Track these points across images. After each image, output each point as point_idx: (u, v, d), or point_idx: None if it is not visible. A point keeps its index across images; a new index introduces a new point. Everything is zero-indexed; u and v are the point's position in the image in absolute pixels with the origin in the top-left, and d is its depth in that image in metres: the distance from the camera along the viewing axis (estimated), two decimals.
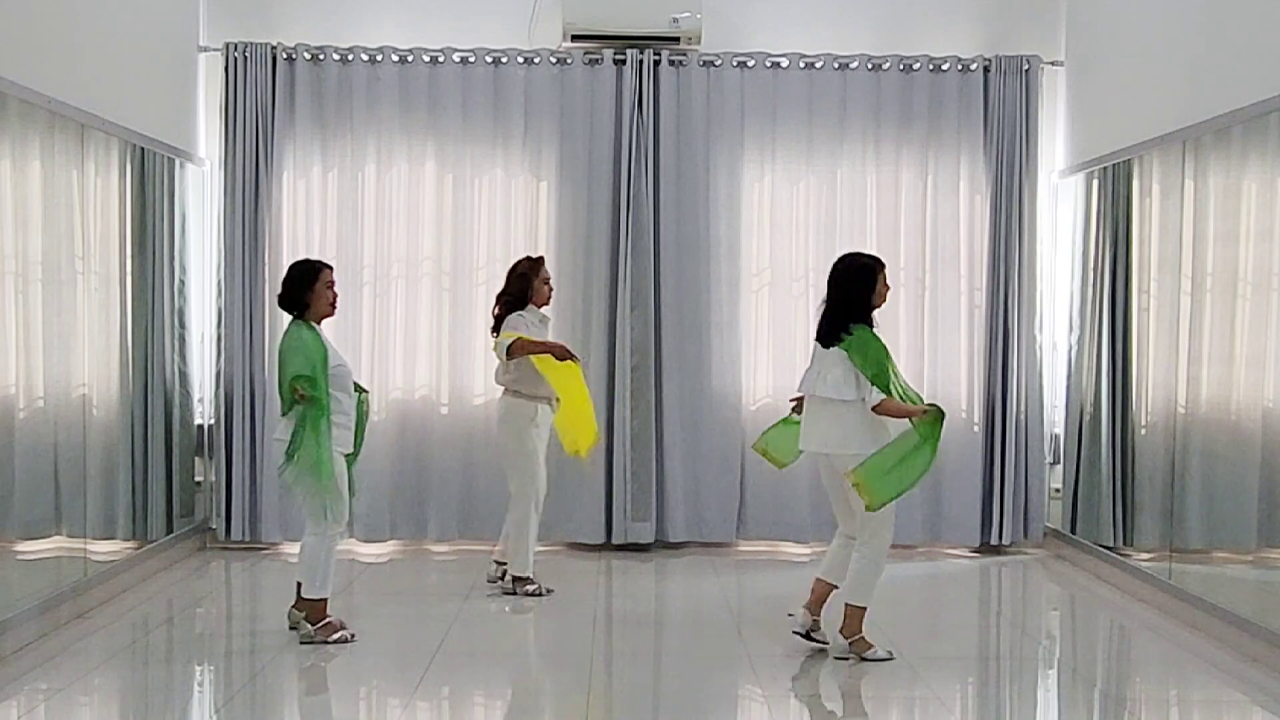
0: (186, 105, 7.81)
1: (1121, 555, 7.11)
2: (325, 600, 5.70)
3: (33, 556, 5.97)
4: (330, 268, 5.83)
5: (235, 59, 7.75)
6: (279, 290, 5.79)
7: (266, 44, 7.79)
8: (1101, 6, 7.71)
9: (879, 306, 5.48)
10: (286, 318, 5.80)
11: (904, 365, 7.92)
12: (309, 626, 5.70)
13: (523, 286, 6.62)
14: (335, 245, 7.88)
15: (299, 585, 5.77)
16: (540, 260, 6.73)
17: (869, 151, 8.01)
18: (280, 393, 5.64)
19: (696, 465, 7.97)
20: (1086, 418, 7.55)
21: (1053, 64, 8.06)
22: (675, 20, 7.77)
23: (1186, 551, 6.47)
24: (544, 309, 6.74)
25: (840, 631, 5.50)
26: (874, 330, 5.41)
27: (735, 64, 7.94)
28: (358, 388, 5.91)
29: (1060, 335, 8.01)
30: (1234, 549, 6.22)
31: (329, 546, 5.67)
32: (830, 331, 5.42)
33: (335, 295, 5.80)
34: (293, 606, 5.83)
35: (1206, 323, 6.28)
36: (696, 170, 7.94)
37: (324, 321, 5.79)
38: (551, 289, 6.79)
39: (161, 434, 7.20)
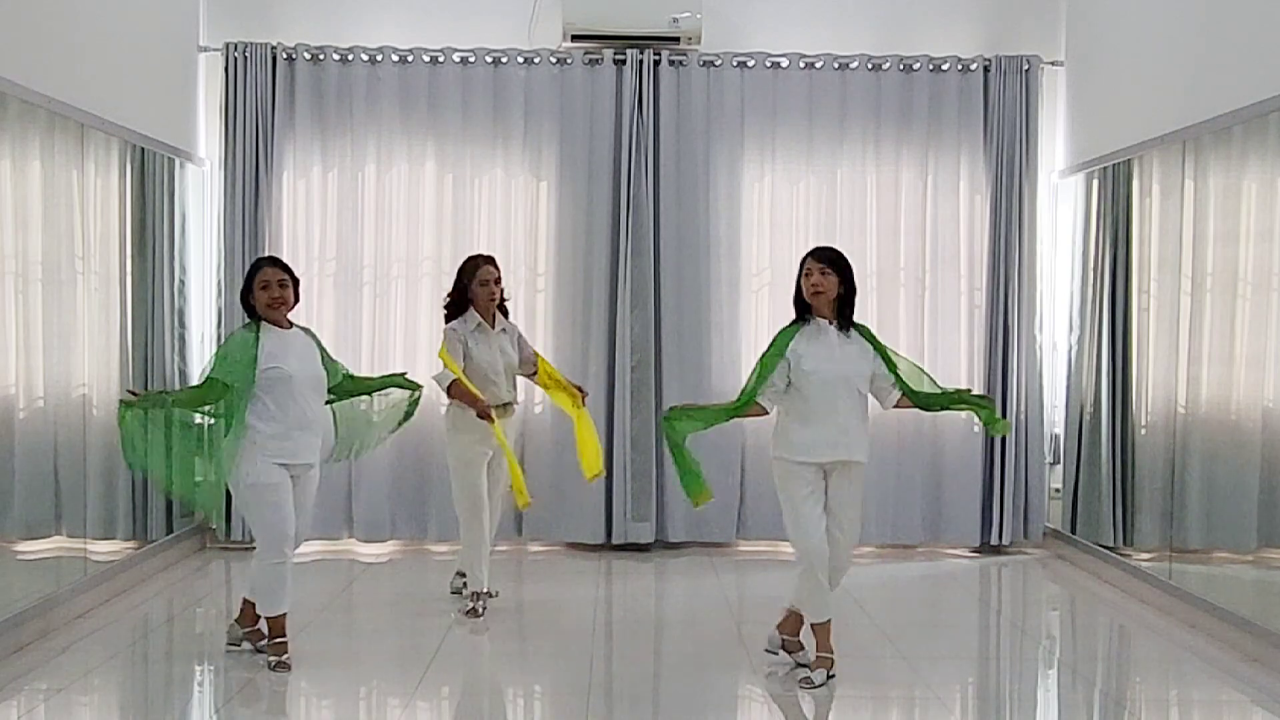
0: (186, 105, 7.81)
1: (1121, 555, 7.10)
2: (284, 615, 5.42)
3: (33, 556, 5.97)
4: (274, 265, 5.44)
5: (235, 59, 7.75)
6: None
7: (266, 44, 7.79)
8: (1101, 6, 7.71)
9: (808, 299, 5.22)
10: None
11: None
12: (239, 630, 5.58)
13: (460, 288, 6.21)
14: (335, 245, 7.89)
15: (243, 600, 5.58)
16: (480, 260, 6.23)
17: (869, 151, 8.01)
18: None
19: None
20: (1086, 418, 7.55)
21: (1053, 64, 8.06)
22: (675, 20, 7.77)
23: (1186, 551, 6.47)
24: (498, 314, 6.26)
25: (778, 626, 5.50)
26: (802, 323, 5.22)
27: (735, 64, 7.94)
28: (410, 384, 5.93)
29: (1060, 335, 8.00)
30: (1234, 549, 6.22)
31: (271, 567, 5.35)
32: None
33: (274, 297, 5.33)
34: (235, 620, 5.62)
35: (1206, 323, 6.28)
36: (696, 170, 7.94)
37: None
38: (493, 292, 6.20)
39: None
